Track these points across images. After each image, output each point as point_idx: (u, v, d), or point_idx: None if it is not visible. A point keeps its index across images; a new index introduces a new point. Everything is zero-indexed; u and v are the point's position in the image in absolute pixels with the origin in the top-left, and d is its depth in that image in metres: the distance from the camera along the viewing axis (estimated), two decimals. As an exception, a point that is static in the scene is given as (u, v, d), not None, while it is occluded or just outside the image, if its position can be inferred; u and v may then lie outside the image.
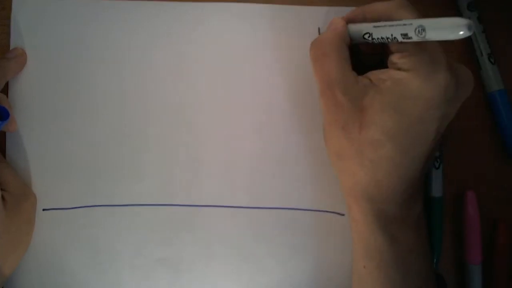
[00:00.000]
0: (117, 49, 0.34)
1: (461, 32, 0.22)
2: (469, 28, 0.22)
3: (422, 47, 0.26)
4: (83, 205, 0.35)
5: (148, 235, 0.35)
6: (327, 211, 0.35)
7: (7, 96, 0.34)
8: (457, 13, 0.35)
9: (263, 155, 0.35)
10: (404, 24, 0.25)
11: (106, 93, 0.35)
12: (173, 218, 0.35)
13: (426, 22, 0.24)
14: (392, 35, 0.26)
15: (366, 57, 0.31)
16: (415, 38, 0.25)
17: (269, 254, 0.35)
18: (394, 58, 0.27)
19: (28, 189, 0.34)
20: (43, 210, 0.34)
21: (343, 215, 0.35)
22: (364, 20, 0.29)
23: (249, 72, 0.35)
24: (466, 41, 0.35)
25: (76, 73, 0.34)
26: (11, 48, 0.34)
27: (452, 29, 0.23)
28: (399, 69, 0.27)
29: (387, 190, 0.28)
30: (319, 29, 0.34)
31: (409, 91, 0.26)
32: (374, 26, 0.28)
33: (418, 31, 0.24)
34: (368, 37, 0.28)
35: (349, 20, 0.30)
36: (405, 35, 0.25)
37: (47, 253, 0.35)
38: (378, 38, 0.27)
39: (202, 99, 0.35)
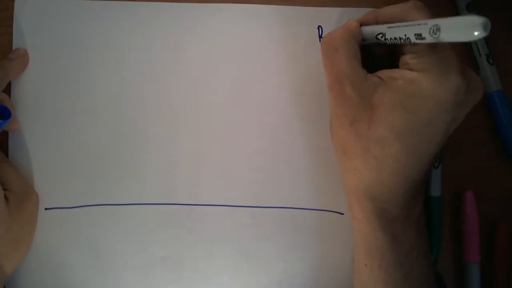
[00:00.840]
0: (117, 49, 0.35)
1: (476, 33, 0.21)
2: (485, 27, 0.21)
3: (435, 49, 0.26)
4: (85, 204, 0.35)
5: (149, 234, 0.35)
6: (327, 210, 0.35)
7: (9, 96, 0.34)
8: (456, 14, 0.35)
9: (263, 155, 0.35)
10: (419, 24, 0.25)
11: (106, 93, 0.35)
12: (174, 217, 0.35)
13: (441, 21, 0.23)
14: (405, 35, 0.26)
15: (376, 58, 0.31)
16: (428, 39, 0.24)
17: (269, 253, 0.35)
18: (407, 59, 0.27)
19: (30, 188, 0.34)
20: (45, 209, 0.35)
21: (342, 214, 0.35)
22: (376, 24, 0.29)
23: (249, 72, 0.35)
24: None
25: (76, 73, 0.35)
26: (13, 49, 0.34)
27: (467, 28, 0.21)
28: (411, 69, 0.27)
29: (390, 190, 0.28)
30: (319, 29, 0.34)
31: (421, 90, 0.26)
32: (388, 27, 0.27)
33: (433, 31, 0.23)
34: (381, 37, 0.28)
35: (362, 23, 0.30)
36: (419, 35, 0.25)
37: (49, 252, 0.35)
38: (391, 39, 0.27)
39: (202, 98, 0.35)
